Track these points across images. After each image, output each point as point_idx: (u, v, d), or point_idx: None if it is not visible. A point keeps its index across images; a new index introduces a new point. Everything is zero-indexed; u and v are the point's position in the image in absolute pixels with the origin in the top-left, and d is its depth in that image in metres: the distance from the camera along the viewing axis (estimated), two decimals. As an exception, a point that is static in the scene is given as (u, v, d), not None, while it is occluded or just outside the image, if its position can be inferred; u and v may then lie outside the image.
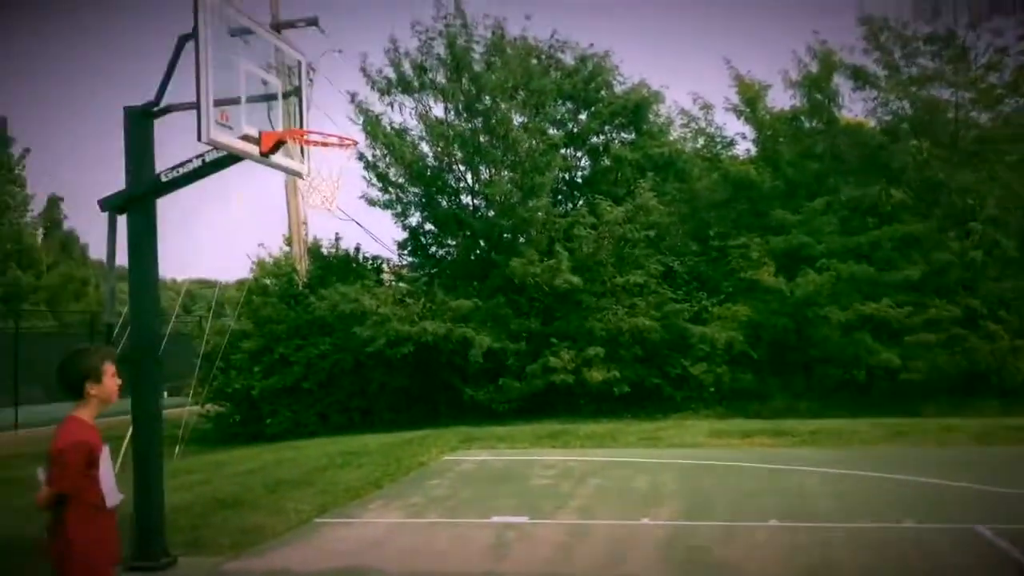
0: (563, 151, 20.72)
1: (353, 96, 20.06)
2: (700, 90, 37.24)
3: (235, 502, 9.35)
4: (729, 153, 21.14)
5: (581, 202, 20.70)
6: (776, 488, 9.61)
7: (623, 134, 21.57)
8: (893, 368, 17.00)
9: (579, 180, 21.89)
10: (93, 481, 3.72)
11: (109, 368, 3.86)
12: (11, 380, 22.45)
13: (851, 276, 17.52)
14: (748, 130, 20.72)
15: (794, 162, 19.77)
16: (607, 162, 21.19)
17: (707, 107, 20.91)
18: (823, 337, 17.60)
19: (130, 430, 7.57)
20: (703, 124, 21.26)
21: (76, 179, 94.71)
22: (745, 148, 21.21)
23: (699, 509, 8.62)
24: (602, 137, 21.52)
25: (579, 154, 21.79)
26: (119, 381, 3.92)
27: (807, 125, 20.33)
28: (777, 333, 18.09)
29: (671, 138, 21.52)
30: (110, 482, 3.82)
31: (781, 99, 22.06)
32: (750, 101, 20.03)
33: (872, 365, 17.30)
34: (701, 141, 21.53)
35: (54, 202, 40.76)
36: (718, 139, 21.30)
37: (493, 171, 19.48)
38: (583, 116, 21.27)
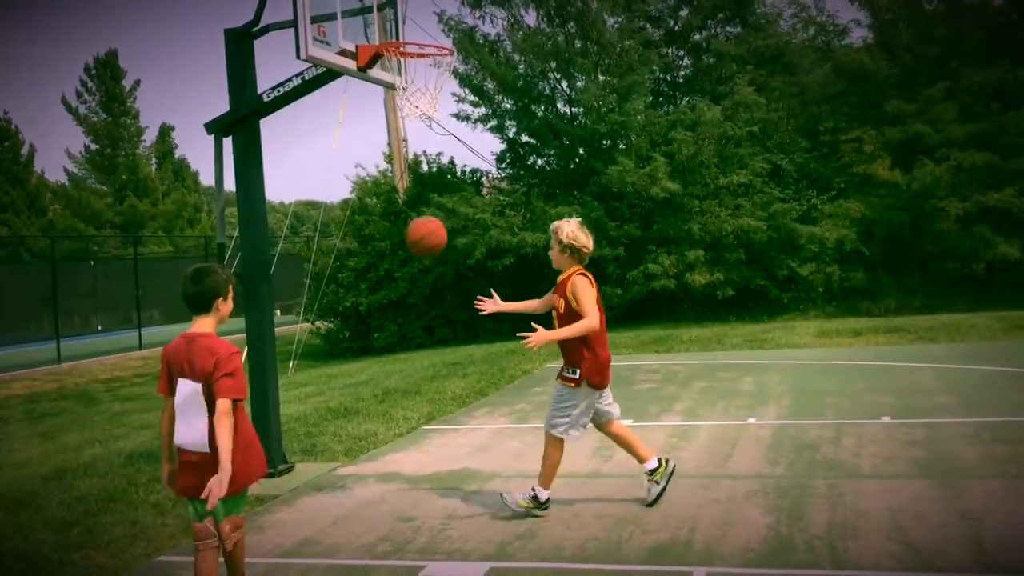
0: (663, 51, 20.06)
1: (441, 14, 19.86)
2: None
3: (347, 411, 9.67)
4: (842, 42, 20.05)
5: (684, 103, 20.08)
6: (889, 385, 9.34)
7: (727, 28, 20.70)
8: (1013, 261, 16.15)
9: (680, 80, 21.21)
10: None
11: (232, 289, 4.01)
12: (134, 304, 23.70)
13: (972, 165, 16.57)
14: (862, 16, 19.57)
15: (912, 47, 18.61)
16: (710, 60, 20.41)
17: None
18: (940, 231, 16.85)
19: (246, 348, 7.86)
20: (813, 13, 20.18)
21: (185, 106, 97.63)
22: (859, 36, 20.15)
23: (808, 408, 8.45)
24: (704, 33, 20.70)
25: (680, 53, 21.06)
26: (232, 305, 4.06)
27: (926, 7, 19.03)
28: (892, 229, 17.40)
29: (779, 30, 20.52)
30: None
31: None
32: None
33: (991, 258, 16.46)
34: (811, 31, 20.47)
35: (166, 131, 42.07)
36: (830, 28, 20.22)
37: (588, 77, 19.04)
38: (684, 12, 20.46)
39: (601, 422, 5.64)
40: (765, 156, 18.59)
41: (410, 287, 18.41)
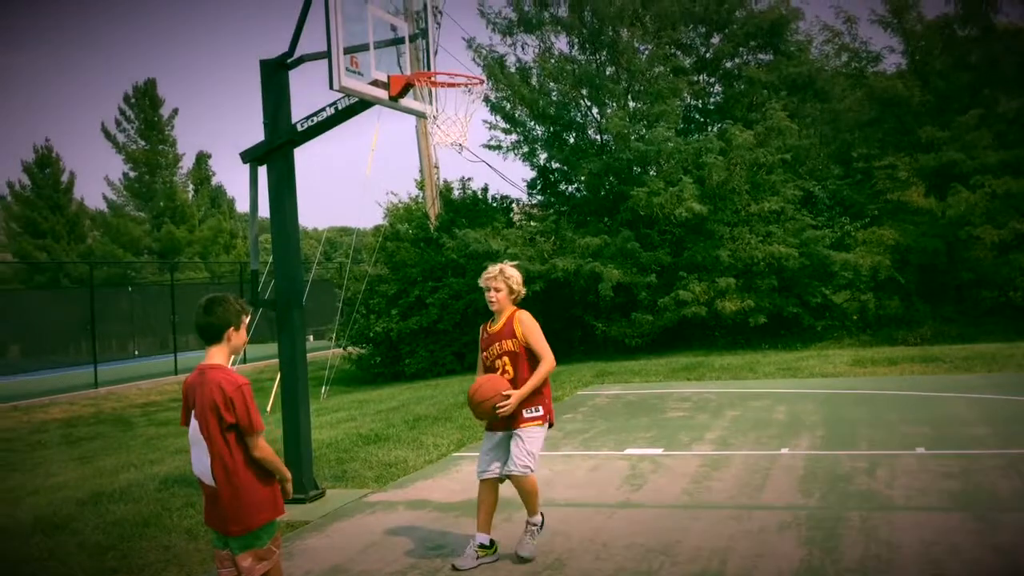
0: (694, 78, 20.11)
1: (470, 41, 20.11)
2: (843, 3, 35.35)
3: (378, 438, 9.72)
4: (874, 69, 19.98)
5: (715, 129, 20.09)
6: (924, 416, 9.22)
7: (759, 56, 20.72)
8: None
9: (711, 107, 21.23)
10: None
11: (246, 319, 3.97)
12: (170, 329, 24.04)
13: (1007, 192, 16.39)
14: (896, 43, 19.50)
15: (946, 74, 18.50)
16: (741, 87, 20.42)
17: (851, 20, 19.76)
18: (976, 258, 16.64)
19: (279, 372, 7.94)
20: (846, 39, 20.13)
21: (221, 134, 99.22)
22: (893, 63, 20.07)
23: (841, 439, 8.37)
24: (736, 61, 20.73)
25: (711, 80, 21.09)
26: (247, 335, 4.04)
27: (960, 33, 18.92)
28: (926, 256, 17.22)
29: (812, 57, 20.50)
30: None
31: (931, 8, 20.65)
32: (898, 11, 18.76)
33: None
34: (844, 58, 20.42)
35: (202, 159, 42.71)
36: (863, 54, 20.15)
37: (617, 104, 19.13)
38: (715, 40, 20.52)
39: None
40: (797, 183, 18.52)
41: (441, 313, 18.49)
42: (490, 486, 5.38)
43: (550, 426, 5.39)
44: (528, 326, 5.30)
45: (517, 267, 5.50)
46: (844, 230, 17.96)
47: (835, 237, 17.66)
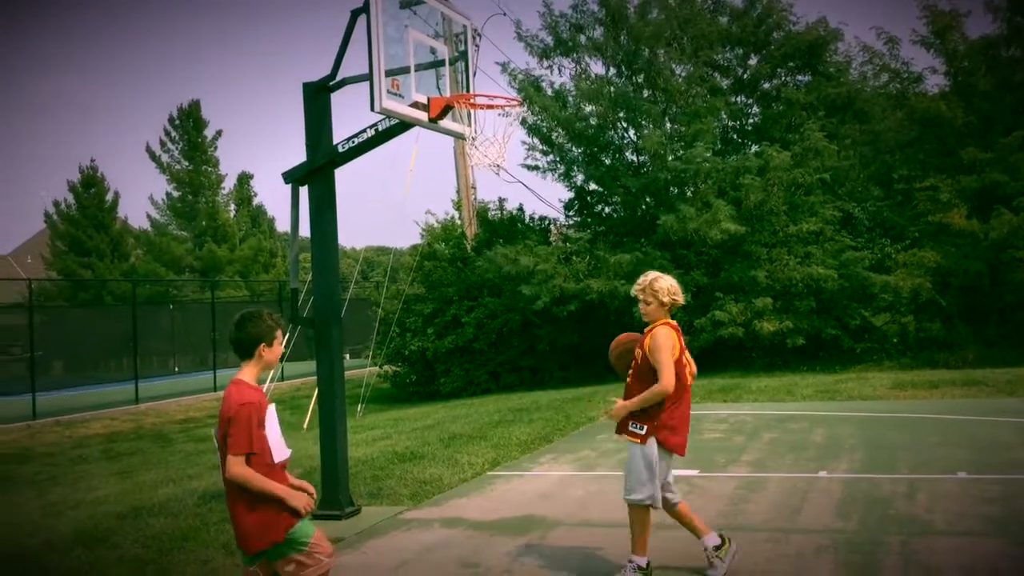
0: (732, 99, 20.07)
1: (505, 65, 20.29)
2: (884, 22, 35.11)
3: (413, 456, 9.76)
4: (916, 89, 19.76)
5: (752, 150, 20.00)
6: (965, 440, 9.06)
7: (798, 77, 20.63)
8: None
9: (749, 128, 21.15)
10: (264, 440, 3.79)
11: (279, 335, 3.94)
12: (211, 347, 24.36)
13: (1051, 215, 16.10)
14: (938, 63, 19.29)
15: (989, 94, 18.26)
16: (779, 108, 20.33)
17: (892, 41, 19.53)
18: (1020, 281, 16.34)
19: (316, 390, 8.02)
20: (887, 60, 19.94)
21: (263, 155, 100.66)
22: (934, 84, 19.85)
23: (881, 462, 8.25)
24: (775, 82, 20.66)
25: (749, 101, 21.03)
26: (282, 349, 4.00)
27: (1005, 54, 18.69)
28: (969, 279, 16.96)
29: (851, 78, 20.34)
30: (278, 438, 3.89)
31: (975, 28, 20.43)
32: (941, 31, 18.57)
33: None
34: (884, 78, 20.24)
35: (244, 179, 43.30)
36: (904, 75, 19.94)
37: (654, 124, 19.14)
38: (753, 61, 20.47)
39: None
40: (836, 204, 18.36)
41: (476, 332, 18.54)
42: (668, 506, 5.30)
43: (666, 450, 5.09)
44: (657, 342, 5.05)
45: (671, 279, 5.28)
46: (884, 252, 17.75)
47: (875, 259, 17.45)
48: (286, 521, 3.79)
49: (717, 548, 5.22)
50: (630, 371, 5.23)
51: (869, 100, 19.85)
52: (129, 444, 15.87)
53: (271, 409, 3.88)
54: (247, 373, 3.88)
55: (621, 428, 5.18)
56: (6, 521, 8.66)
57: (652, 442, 5.06)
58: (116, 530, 7.11)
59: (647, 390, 5.01)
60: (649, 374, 5.06)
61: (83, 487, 10.60)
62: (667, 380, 4.97)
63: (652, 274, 5.29)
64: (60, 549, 6.64)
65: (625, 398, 5.19)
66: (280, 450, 3.89)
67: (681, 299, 5.26)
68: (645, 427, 5.05)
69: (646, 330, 5.21)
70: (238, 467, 3.70)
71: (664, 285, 5.16)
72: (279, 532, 3.78)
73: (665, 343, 5.04)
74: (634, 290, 5.28)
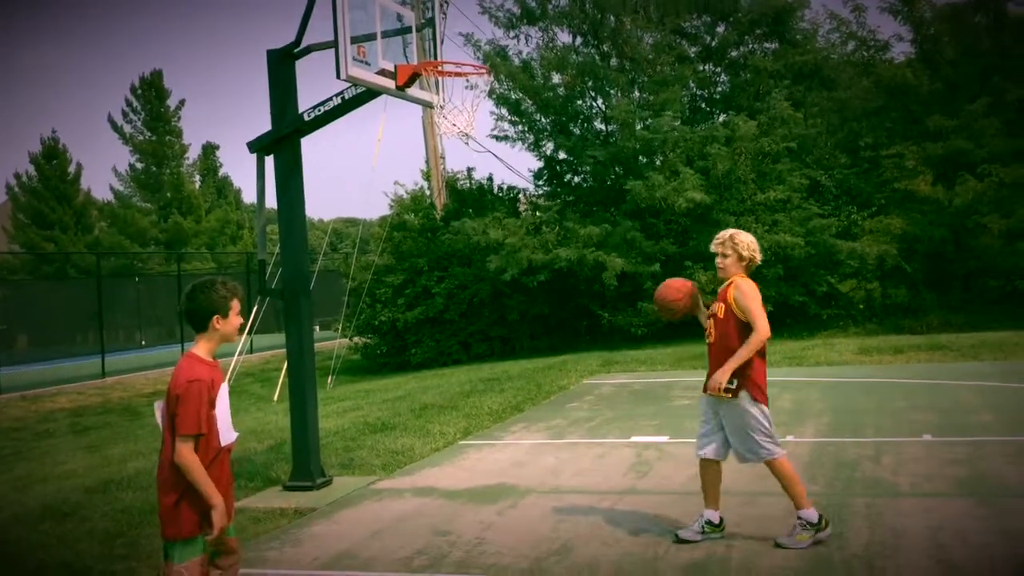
0: (700, 67, 20.03)
1: (468, 36, 20.10)
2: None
3: (384, 426, 9.75)
4: (882, 57, 19.85)
5: (721, 119, 20.02)
6: (931, 404, 9.21)
7: (765, 45, 20.61)
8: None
9: (717, 97, 21.15)
10: (213, 421, 3.53)
11: (236, 305, 3.67)
12: (177, 320, 24.13)
13: (1015, 181, 16.33)
14: (904, 31, 19.37)
15: (955, 61, 18.40)
16: (747, 75, 20.33)
17: (859, 9, 19.54)
18: (983, 247, 16.60)
19: (285, 363, 7.97)
20: (854, 27, 19.97)
21: (228, 125, 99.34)
22: (900, 51, 19.94)
23: (847, 426, 8.37)
24: (742, 49, 20.63)
25: (717, 69, 21.01)
26: (241, 320, 3.73)
27: (971, 20, 18.78)
28: (934, 245, 17.20)
29: (817, 45, 20.37)
30: (226, 420, 3.63)
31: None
32: None
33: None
34: (851, 46, 20.30)
35: (209, 150, 42.69)
36: (870, 43, 19.99)
37: (622, 93, 19.08)
38: (721, 29, 20.42)
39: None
40: (803, 172, 18.47)
41: (447, 303, 18.50)
42: (707, 464, 5.30)
43: (755, 402, 5.02)
44: (743, 292, 5.01)
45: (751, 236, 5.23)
46: (851, 219, 17.91)
47: (842, 226, 17.60)
48: (190, 525, 3.50)
49: (714, 526, 5.28)
50: (709, 332, 5.18)
51: (836, 68, 19.92)
52: (96, 418, 15.72)
53: (223, 387, 3.63)
54: (201, 347, 3.64)
55: (715, 387, 5.06)
56: (-29, 497, 8.56)
57: (744, 396, 5.02)
58: (85, 504, 7.05)
59: (745, 344, 4.95)
60: (735, 327, 5.04)
61: (50, 461, 10.49)
62: (764, 327, 4.96)
63: (732, 229, 5.30)
64: (28, 523, 6.57)
65: (712, 358, 5.15)
66: (227, 433, 3.61)
67: (759, 257, 5.24)
68: (736, 381, 5.01)
69: (723, 287, 5.18)
70: (187, 454, 3.42)
71: (745, 239, 5.16)
72: (179, 529, 3.49)
73: (752, 291, 5.06)
74: (713, 244, 5.25)
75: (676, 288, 5.40)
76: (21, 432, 14.52)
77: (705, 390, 5.21)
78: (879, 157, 18.35)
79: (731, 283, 5.14)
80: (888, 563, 4.69)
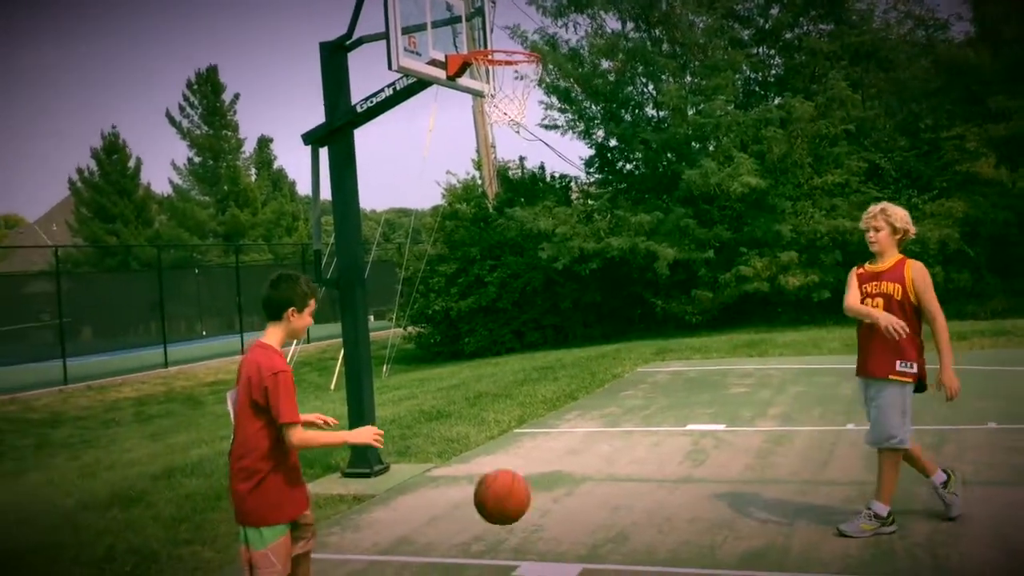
0: (753, 50, 19.72)
1: (515, 28, 20.02)
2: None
3: (439, 414, 9.83)
4: (942, 37, 19.33)
5: (776, 102, 19.68)
6: (994, 390, 9.00)
7: (820, 26, 20.22)
8: None
9: (771, 80, 20.81)
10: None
11: (312, 304, 3.75)
12: (236, 310, 24.58)
13: (1084, 161, 15.80)
14: (964, 10, 18.86)
15: (1017, 41, 17.82)
16: (802, 58, 19.95)
17: None
18: (1050, 230, 16.09)
19: (342, 352, 8.08)
20: (912, 6, 19.47)
21: (282, 118, 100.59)
22: (960, 31, 19.40)
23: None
24: (796, 31, 20.25)
25: (771, 52, 20.66)
26: (311, 321, 3.80)
27: None
28: (997, 228, 16.72)
29: (875, 25, 19.92)
30: None
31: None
32: None
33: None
34: (909, 25, 19.81)
35: (264, 143, 43.34)
36: (929, 22, 19.48)
37: (674, 78, 18.88)
38: (775, 11, 20.07)
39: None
40: (862, 155, 18.10)
41: (500, 292, 18.56)
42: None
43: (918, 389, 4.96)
44: (922, 277, 4.88)
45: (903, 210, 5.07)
46: (911, 203, 17.50)
47: (902, 209, 17.21)
48: (271, 511, 3.56)
49: (944, 484, 5.13)
50: (878, 304, 4.94)
51: (894, 48, 19.45)
52: (160, 407, 16.11)
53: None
54: (272, 336, 3.69)
55: (880, 369, 4.93)
56: (42, 482, 8.85)
57: (910, 383, 4.93)
58: (150, 490, 7.24)
59: (941, 338, 4.88)
60: (908, 310, 4.88)
61: (116, 449, 10.79)
62: (943, 317, 4.88)
63: (883, 203, 5.14)
64: (96, 509, 6.77)
65: (876, 340, 4.91)
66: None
67: (913, 230, 5.08)
68: (915, 365, 4.90)
69: (889, 259, 5.00)
70: (297, 435, 3.53)
71: (899, 211, 5.02)
72: (261, 516, 3.54)
73: (928, 276, 4.93)
74: (863, 221, 5.08)
75: (523, 499, 4.11)
76: (88, 421, 14.96)
77: (917, 383, 4.99)
78: (940, 139, 17.89)
79: (903, 263, 4.95)
80: (951, 551, 4.61)
